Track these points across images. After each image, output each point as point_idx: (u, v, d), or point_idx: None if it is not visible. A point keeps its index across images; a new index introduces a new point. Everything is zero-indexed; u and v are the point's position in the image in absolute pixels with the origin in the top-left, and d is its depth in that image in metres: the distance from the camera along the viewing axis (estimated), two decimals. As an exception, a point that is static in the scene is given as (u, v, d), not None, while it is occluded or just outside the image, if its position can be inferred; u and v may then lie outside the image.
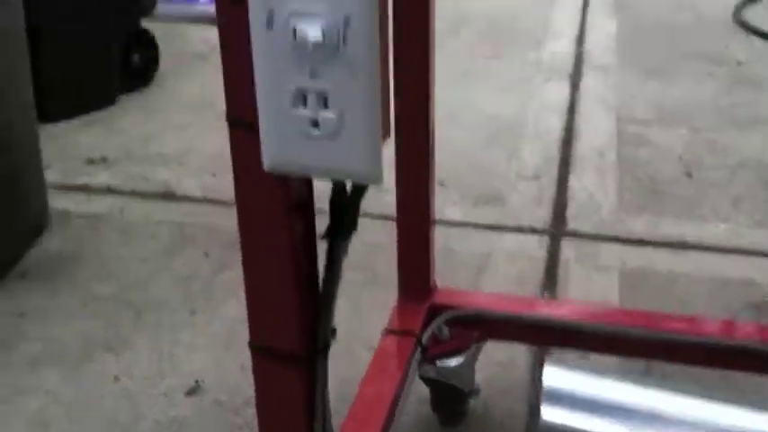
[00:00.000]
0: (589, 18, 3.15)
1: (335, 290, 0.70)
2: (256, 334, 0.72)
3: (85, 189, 2.01)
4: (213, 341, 1.48)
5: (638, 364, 1.32)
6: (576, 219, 1.84)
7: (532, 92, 2.51)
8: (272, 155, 0.61)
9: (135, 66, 2.53)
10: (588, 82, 2.58)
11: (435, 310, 1.16)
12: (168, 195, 1.98)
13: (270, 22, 0.57)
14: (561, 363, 1.06)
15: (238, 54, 0.60)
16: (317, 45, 0.55)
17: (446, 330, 1.16)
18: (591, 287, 1.61)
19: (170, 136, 2.27)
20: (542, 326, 1.14)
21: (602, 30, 3.03)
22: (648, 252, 1.72)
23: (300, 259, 0.68)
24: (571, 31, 3.03)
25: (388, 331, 1.11)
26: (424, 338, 1.10)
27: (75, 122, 2.35)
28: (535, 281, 1.64)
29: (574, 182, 1.99)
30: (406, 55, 1.02)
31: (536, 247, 1.75)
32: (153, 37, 2.57)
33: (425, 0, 1.00)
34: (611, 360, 1.32)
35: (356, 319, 1.49)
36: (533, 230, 1.81)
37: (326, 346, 0.73)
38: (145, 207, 1.93)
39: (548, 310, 1.17)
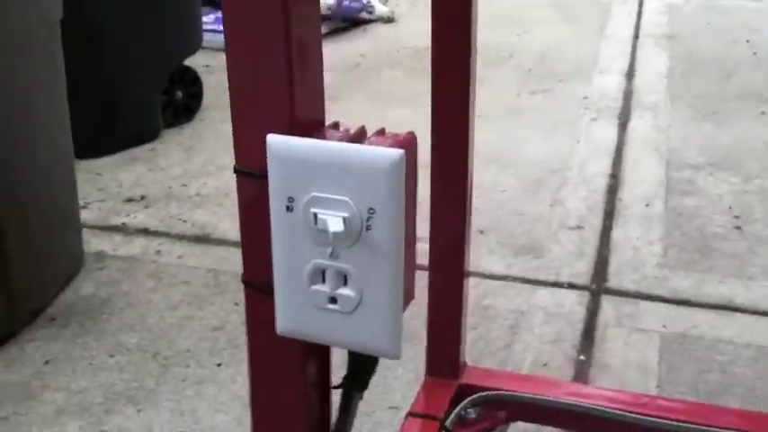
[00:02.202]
0: (639, 52, 3.08)
1: None
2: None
3: (122, 230, 2.01)
4: (237, 399, 1.45)
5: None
6: (617, 274, 1.78)
7: (578, 133, 2.45)
8: (286, 322, 0.58)
9: (178, 102, 2.54)
10: (637, 122, 2.51)
11: (463, 390, 1.11)
12: (204, 238, 1.96)
13: (289, 207, 0.54)
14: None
15: (257, 224, 0.58)
16: (337, 234, 0.53)
17: (473, 411, 1.11)
18: (629, 352, 1.54)
19: (210, 175, 2.26)
20: (572, 412, 1.09)
21: (653, 64, 2.95)
22: (692, 314, 1.65)
23: (312, 409, 0.65)
24: (620, 65, 2.96)
25: (412, 414, 1.07)
26: (449, 422, 1.06)
27: (117, 158, 2.37)
28: (572, 342, 1.59)
29: (617, 233, 1.93)
30: (445, 91, 0.98)
31: (575, 303, 1.70)
32: (196, 73, 2.58)
33: (467, 35, 0.95)
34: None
35: (383, 384, 1.45)
36: (573, 286, 1.75)
37: None
38: (180, 250, 1.92)
39: (579, 396, 1.12)
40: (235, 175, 0.59)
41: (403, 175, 0.53)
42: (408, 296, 0.58)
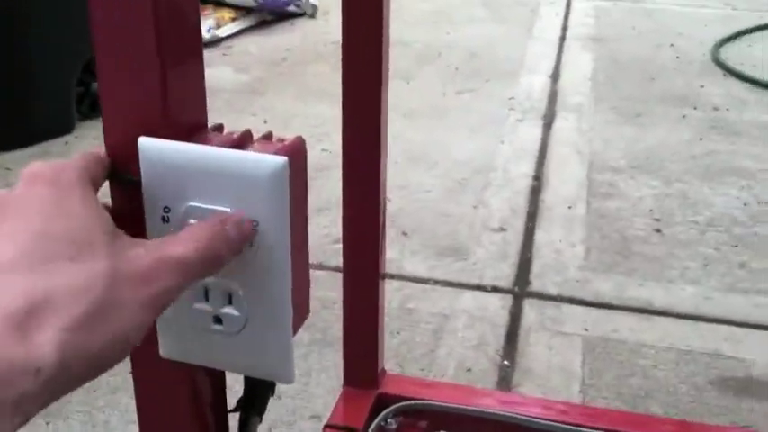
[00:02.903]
0: (565, 54, 3.10)
1: None
2: None
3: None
4: None
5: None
6: (540, 277, 1.77)
7: (503, 133, 2.45)
8: (168, 344, 0.54)
9: (94, 93, 2.45)
10: (561, 123, 2.53)
11: (383, 400, 1.08)
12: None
13: (165, 218, 0.50)
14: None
15: (133, 233, 0.53)
16: None
17: (394, 422, 1.09)
18: (552, 356, 1.54)
19: (126, 170, 2.18)
20: (495, 421, 1.07)
21: (578, 66, 2.98)
22: (614, 317, 1.66)
23: None
24: (546, 66, 2.98)
25: (330, 427, 1.04)
26: (368, 434, 1.03)
27: (29, 152, 2.27)
28: (496, 346, 1.58)
29: (540, 236, 1.93)
30: (354, 83, 0.94)
31: (498, 307, 1.69)
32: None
33: (378, 30, 0.91)
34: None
35: (304, 392, 1.41)
36: (496, 289, 1.74)
37: None
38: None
39: (502, 404, 1.10)
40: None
41: (287, 185, 0.48)
42: (301, 313, 0.54)
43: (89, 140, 2.35)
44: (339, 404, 1.10)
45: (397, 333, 1.59)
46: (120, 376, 1.46)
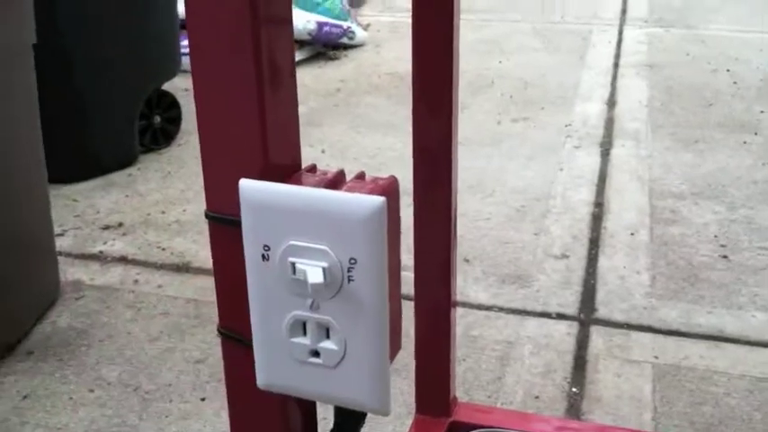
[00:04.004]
0: (620, 80, 3.09)
1: None
2: None
3: (99, 258, 1.96)
4: (222, 435, 1.41)
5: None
6: (605, 304, 1.76)
7: (561, 160, 2.44)
8: (266, 376, 0.55)
9: (156, 126, 2.50)
10: (619, 150, 2.51)
11: (455, 428, 1.08)
12: (184, 267, 1.92)
13: (265, 256, 0.51)
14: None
15: (232, 272, 0.54)
16: (317, 285, 0.49)
17: (467, 449, 1.08)
18: (621, 384, 1.52)
19: (190, 202, 2.22)
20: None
21: (634, 93, 2.96)
22: (683, 344, 1.63)
23: None
24: (601, 93, 2.97)
25: (405, 453, 1.03)
26: (443, 462, 1.03)
27: (94, 183, 2.32)
28: (563, 373, 1.56)
29: (604, 262, 1.91)
30: (426, 117, 0.95)
31: (564, 334, 1.67)
32: (174, 98, 2.54)
33: (449, 60, 0.92)
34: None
35: (372, 420, 1.41)
36: (561, 316, 1.73)
37: None
38: (159, 279, 1.88)
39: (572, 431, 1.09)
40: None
41: (385, 224, 0.49)
42: (395, 346, 0.55)
43: (151, 172, 2.39)
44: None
45: (463, 360, 1.58)
46: (192, 403, 1.48)
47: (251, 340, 0.55)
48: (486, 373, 1.56)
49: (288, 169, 0.54)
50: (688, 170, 2.36)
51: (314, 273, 0.49)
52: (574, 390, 1.52)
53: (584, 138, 2.60)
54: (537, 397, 1.50)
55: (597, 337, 1.66)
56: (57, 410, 1.47)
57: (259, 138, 0.52)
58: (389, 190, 0.53)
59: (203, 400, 1.49)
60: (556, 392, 1.51)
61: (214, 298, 1.72)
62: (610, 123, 2.71)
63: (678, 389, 1.51)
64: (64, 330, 1.69)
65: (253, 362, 0.55)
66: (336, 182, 0.54)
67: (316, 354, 0.53)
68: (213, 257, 0.57)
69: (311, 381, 0.54)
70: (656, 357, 1.59)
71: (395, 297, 0.53)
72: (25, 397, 1.50)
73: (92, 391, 1.51)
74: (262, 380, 0.55)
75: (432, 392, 1.11)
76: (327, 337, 0.52)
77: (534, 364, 1.59)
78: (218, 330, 0.58)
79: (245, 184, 0.51)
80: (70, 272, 1.89)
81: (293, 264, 0.50)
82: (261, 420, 0.60)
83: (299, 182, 0.53)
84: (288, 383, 0.54)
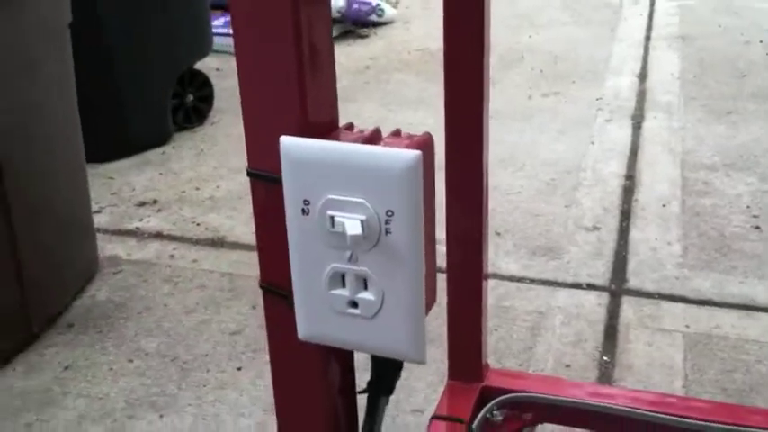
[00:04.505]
0: (651, 53, 3.06)
1: None
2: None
3: (136, 234, 2.00)
4: (258, 403, 1.44)
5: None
6: (637, 275, 1.76)
7: (592, 134, 2.44)
8: (307, 328, 0.57)
9: (189, 105, 2.53)
10: (651, 123, 2.50)
11: (487, 393, 1.09)
12: (218, 242, 1.95)
13: (305, 210, 0.53)
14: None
15: (272, 227, 0.56)
16: (355, 237, 0.51)
17: (499, 414, 1.10)
18: (653, 352, 1.53)
19: (223, 178, 2.25)
20: (598, 413, 1.07)
21: (666, 65, 2.94)
22: (715, 313, 1.63)
23: (338, 415, 0.63)
24: (633, 66, 2.95)
25: (437, 417, 1.05)
26: (475, 425, 1.05)
27: (129, 162, 2.36)
28: (594, 343, 1.57)
29: (635, 234, 1.91)
30: (458, 92, 0.96)
31: (595, 304, 1.68)
32: (206, 77, 2.57)
33: (480, 35, 0.93)
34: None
35: (405, 387, 1.43)
36: (592, 287, 1.74)
37: None
38: (195, 254, 1.91)
39: (606, 397, 1.10)
40: (248, 178, 0.58)
41: (421, 177, 0.51)
42: (430, 298, 0.57)
43: (185, 150, 2.43)
44: (445, 397, 1.12)
45: (495, 330, 1.60)
46: (228, 372, 1.51)
47: (291, 295, 0.57)
48: (517, 343, 1.57)
49: (326, 127, 0.56)
50: (721, 142, 2.35)
51: (352, 225, 0.51)
52: (605, 358, 1.53)
53: (616, 111, 2.59)
54: (568, 365, 1.51)
55: (628, 307, 1.67)
56: (97, 380, 1.51)
57: (298, 96, 0.54)
58: (425, 145, 0.55)
59: (239, 369, 1.53)
60: (587, 361, 1.52)
61: (248, 271, 1.77)
62: (641, 96, 2.69)
63: (709, 357, 1.51)
64: (103, 303, 1.73)
65: (293, 315, 0.57)
66: (373, 138, 0.56)
67: (354, 305, 0.54)
68: (254, 214, 0.59)
69: (350, 331, 0.56)
70: (688, 327, 1.59)
71: (430, 250, 0.55)
72: (66, 368, 1.54)
73: (131, 361, 1.55)
74: (302, 331, 0.57)
75: (464, 358, 1.12)
76: (365, 288, 0.54)
77: (565, 333, 1.60)
78: (260, 285, 0.60)
79: (286, 140, 0.53)
80: (108, 248, 1.93)
81: (332, 217, 0.51)
82: (301, 373, 0.62)
83: (337, 138, 0.55)
84: (327, 334, 0.57)
